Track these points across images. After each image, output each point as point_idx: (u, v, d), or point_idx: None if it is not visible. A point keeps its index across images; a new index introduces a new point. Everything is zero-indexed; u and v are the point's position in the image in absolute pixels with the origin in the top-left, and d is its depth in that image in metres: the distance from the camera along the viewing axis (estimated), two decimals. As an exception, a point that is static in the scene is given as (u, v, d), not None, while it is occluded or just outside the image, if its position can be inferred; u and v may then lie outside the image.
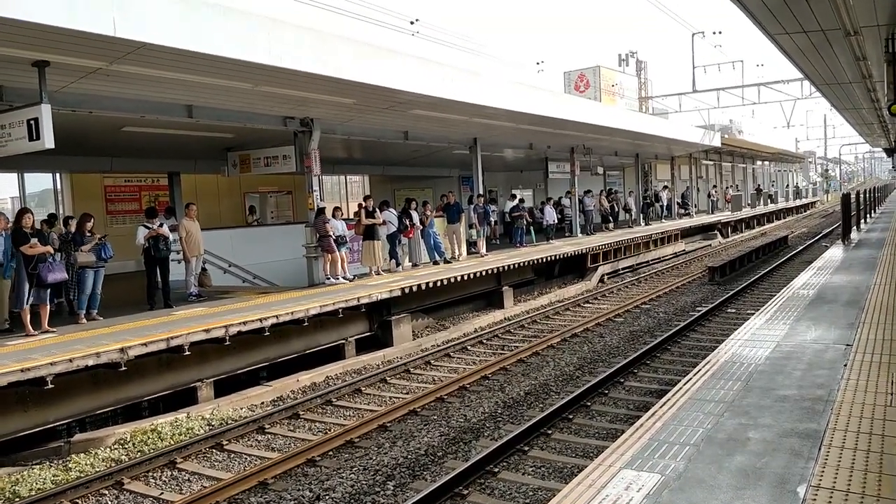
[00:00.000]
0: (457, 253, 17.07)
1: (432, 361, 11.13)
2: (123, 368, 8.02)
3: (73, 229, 10.43)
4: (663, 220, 30.60)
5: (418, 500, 5.67)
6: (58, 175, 17.24)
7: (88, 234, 10.06)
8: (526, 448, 7.02)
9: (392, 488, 6.38)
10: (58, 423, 7.93)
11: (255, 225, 20.19)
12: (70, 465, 7.18)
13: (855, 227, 20.26)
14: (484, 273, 14.73)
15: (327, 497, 6.24)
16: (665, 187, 33.59)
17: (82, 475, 6.90)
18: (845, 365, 5.93)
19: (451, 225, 17.11)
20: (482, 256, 17.42)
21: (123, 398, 8.54)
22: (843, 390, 5.24)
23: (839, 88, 16.30)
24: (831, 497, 3.53)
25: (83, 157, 15.24)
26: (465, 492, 6.04)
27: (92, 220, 10.26)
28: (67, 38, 7.24)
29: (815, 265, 13.31)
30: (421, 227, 15.96)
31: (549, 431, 7.48)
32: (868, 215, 26.43)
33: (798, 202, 54.07)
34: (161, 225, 11.35)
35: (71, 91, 9.26)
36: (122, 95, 9.98)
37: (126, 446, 7.69)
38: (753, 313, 9.19)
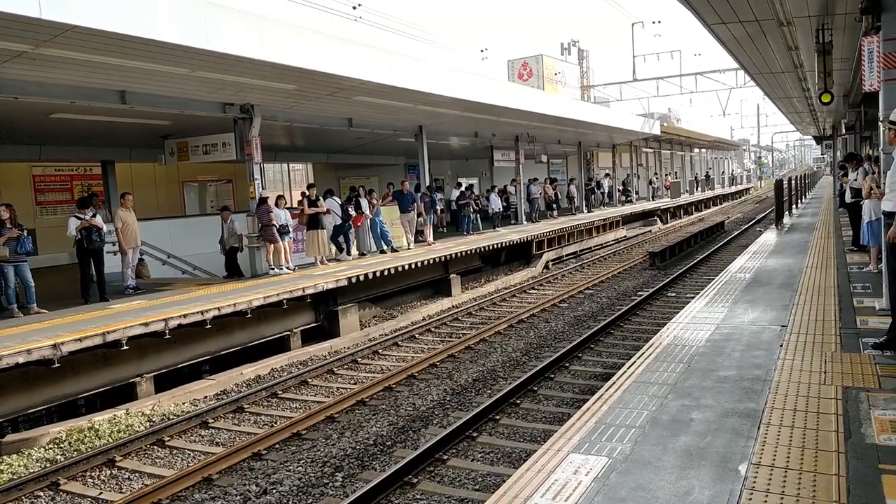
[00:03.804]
0: (408, 241, 16.97)
1: (380, 351, 11.06)
2: (57, 365, 7.70)
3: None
4: (604, 207, 31.14)
5: (367, 490, 5.63)
6: (-19, 164, 16.40)
7: (8, 227, 9.57)
8: (475, 434, 7.04)
9: (341, 479, 6.32)
10: (-13, 424, 7.58)
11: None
12: (2, 467, 6.86)
13: (787, 212, 21.01)
14: (431, 261, 14.71)
15: (274, 491, 6.14)
16: (606, 175, 34.17)
17: (15, 477, 6.61)
18: (781, 345, 6.14)
19: (406, 214, 16.96)
20: (429, 245, 17.40)
21: (58, 396, 8.21)
22: (779, 370, 5.41)
23: (772, 77, 16.85)
24: (771, 474, 3.63)
25: (9, 146, 14.53)
26: (415, 480, 6.02)
27: (9, 212, 9.73)
28: (-12, 20, 6.85)
29: (751, 249, 13.75)
30: (369, 216, 15.82)
31: (498, 417, 7.52)
32: (799, 201, 27.45)
33: (733, 188, 55.82)
34: (94, 215, 10.92)
35: (-6, 75, 8.79)
36: (50, 80, 9.54)
37: (62, 446, 7.39)
38: (693, 297, 9.43)
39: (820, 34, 10.43)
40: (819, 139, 47.32)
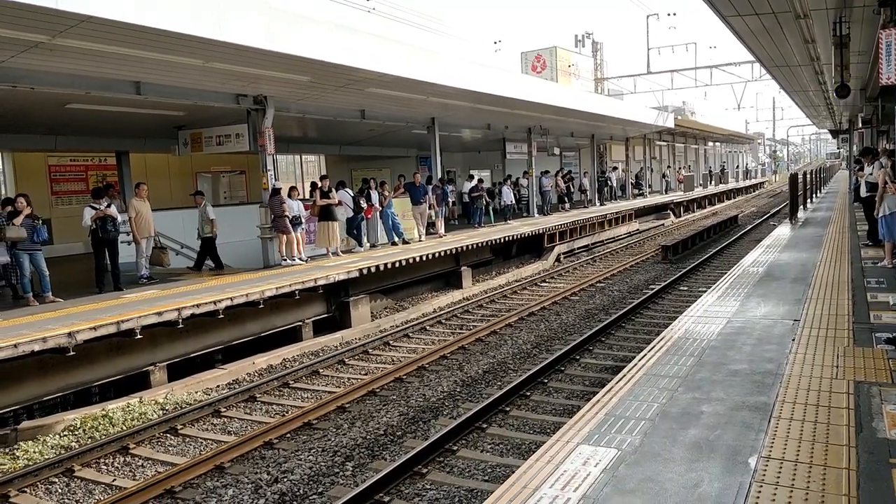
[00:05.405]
0: (419, 233, 16.98)
1: (391, 342, 11.10)
2: (72, 353, 7.79)
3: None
4: (617, 201, 30.99)
5: (377, 479, 5.66)
6: (-2, 154, 16.56)
7: (28, 218, 9.67)
8: (484, 426, 7.07)
9: (351, 469, 6.37)
10: (4, 411, 7.67)
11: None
12: (18, 454, 6.96)
13: (802, 207, 20.84)
14: (442, 254, 14.72)
15: (285, 479, 6.19)
16: (614, 168, 33.91)
17: (31, 463, 6.71)
18: (793, 339, 6.11)
19: (417, 206, 16.96)
20: (440, 237, 17.41)
21: (73, 384, 8.31)
22: (791, 364, 5.40)
23: (788, 71, 16.69)
24: (781, 467, 3.63)
25: (25, 135, 14.65)
26: (425, 470, 6.05)
27: (25, 201, 9.82)
28: (5, 10, 6.90)
29: (764, 243, 13.66)
30: (379, 208, 15.85)
31: (507, 409, 7.54)
32: (814, 195, 27.21)
33: (747, 182, 55.39)
34: (109, 205, 11.00)
35: (10, 66, 8.85)
36: (66, 71, 9.60)
37: (76, 433, 7.49)
38: (705, 290, 9.40)
39: (837, 27, 10.32)
40: (835, 133, 46.88)
